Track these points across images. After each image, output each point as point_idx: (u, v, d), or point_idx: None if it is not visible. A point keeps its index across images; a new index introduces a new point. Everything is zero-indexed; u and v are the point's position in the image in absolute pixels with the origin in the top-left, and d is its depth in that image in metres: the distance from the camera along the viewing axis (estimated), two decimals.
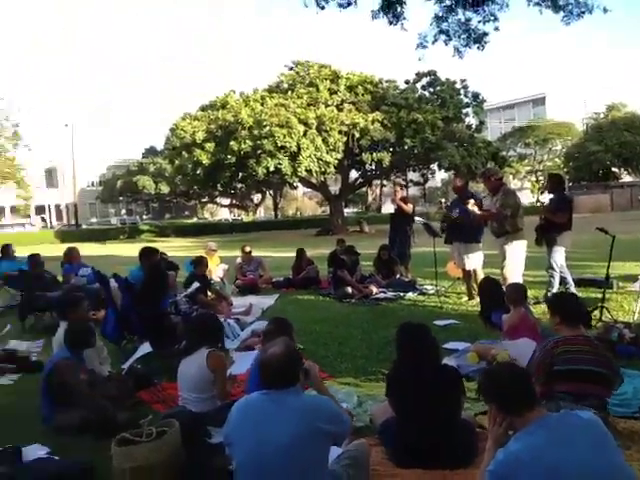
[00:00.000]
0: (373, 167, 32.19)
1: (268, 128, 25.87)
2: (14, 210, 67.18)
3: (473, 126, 31.14)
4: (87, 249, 12.65)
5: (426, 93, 30.44)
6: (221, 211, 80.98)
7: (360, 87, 29.59)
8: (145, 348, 5.05)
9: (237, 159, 27.11)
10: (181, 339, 5.79)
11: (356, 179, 35.78)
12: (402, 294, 8.95)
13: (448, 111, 28.69)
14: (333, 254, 10.55)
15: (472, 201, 7.58)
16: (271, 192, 57.74)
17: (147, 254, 6.20)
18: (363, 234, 29.89)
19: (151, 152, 65.96)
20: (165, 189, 59.98)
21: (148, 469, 3.11)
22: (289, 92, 29.62)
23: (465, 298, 8.23)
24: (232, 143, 26.32)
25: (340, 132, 27.62)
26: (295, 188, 46.28)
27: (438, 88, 30.17)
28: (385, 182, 43.52)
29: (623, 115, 53.37)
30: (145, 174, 61.28)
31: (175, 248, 24.04)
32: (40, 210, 69.92)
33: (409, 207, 10.37)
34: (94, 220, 67.02)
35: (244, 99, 29.12)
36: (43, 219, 67.68)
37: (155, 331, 5.38)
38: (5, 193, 32.94)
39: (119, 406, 4.52)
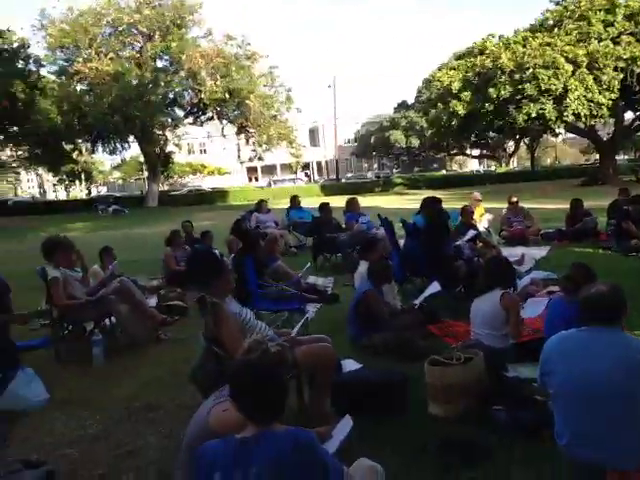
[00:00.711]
0: None
1: (531, 71, 24.17)
2: (283, 167, 75.56)
3: None
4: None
5: None
6: (470, 163, 79.19)
7: None
8: (433, 287, 5.42)
9: (495, 107, 26.03)
10: (463, 281, 6.06)
11: (632, 121, 31.43)
12: None
13: None
14: (615, 204, 9.67)
15: None
16: (526, 141, 54.40)
17: (430, 202, 6.54)
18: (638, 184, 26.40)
19: (402, 106, 67.28)
20: (415, 142, 60.97)
21: (460, 386, 3.47)
22: (555, 29, 27.05)
23: None
24: (490, 90, 25.30)
25: (616, 69, 24.42)
26: (556, 135, 42.69)
27: None
28: None
29: None
30: (397, 129, 62.96)
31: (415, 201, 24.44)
32: (304, 167, 77.20)
33: None
34: (349, 175, 71.17)
35: (504, 42, 27.53)
36: (307, 174, 74.17)
37: (440, 273, 5.71)
38: (277, 152, 37.09)
39: (414, 335, 5.00)
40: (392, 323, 4.96)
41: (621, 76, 24.59)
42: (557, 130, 28.51)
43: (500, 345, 4.24)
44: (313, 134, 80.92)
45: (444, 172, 65.52)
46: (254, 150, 35.87)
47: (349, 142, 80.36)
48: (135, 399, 4.41)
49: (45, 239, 5.52)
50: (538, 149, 68.04)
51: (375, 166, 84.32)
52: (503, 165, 64.63)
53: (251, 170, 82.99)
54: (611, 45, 24.77)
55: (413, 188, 41.40)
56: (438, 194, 28.90)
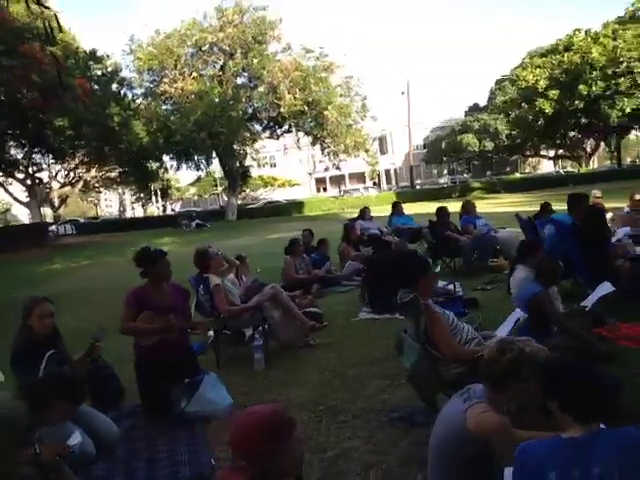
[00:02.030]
0: None
1: (625, 64, 23.08)
2: (351, 177, 75.70)
3: None
4: (424, 207, 13.52)
5: None
6: (543, 164, 76.43)
7: None
8: (605, 288, 5.12)
9: (585, 104, 25.00)
10: (627, 281, 5.71)
11: None
12: None
13: None
14: None
15: None
16: (608, 139, 52.01)
17: (577, 200, 6.25)
18: None
19: (474, 109, 65.95)
20: (489, 145, 59.47)
21: None
22: None
23: None
24: (580, 87, 24.33)
25: None
26: (627, 133, 40.60)
27: None
28: None
29: None
30: (469, 132, 61.66)
31: (516, 204, 23.74)
32: (358, 177, 77.07)
33: None
34: (419, 181, 70.28)
35: (592, 37, 26.43)
36: (374, 183, 73.88)
37: (603, 272, 5.41)
38: (345, 162, 37.32)
39: (594, 336, 4.74)
40: (567, 326, 4.72)
41: None
42: None
43: None
44: (381, 142, 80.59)
45: (517, 175, 63.43)
46: (331, 160, 36.10)
47: (418, 148, 79.56)
48: (315, 402, 4.40)
49: (198, 250, 5.65)
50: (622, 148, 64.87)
51: (445, 172, 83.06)
52: (583, 165, 62.03)
53: (320, 181, 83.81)
54: None
55: (491, 192, 40.34)
56: (518, 197, 28.15)
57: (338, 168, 35.81)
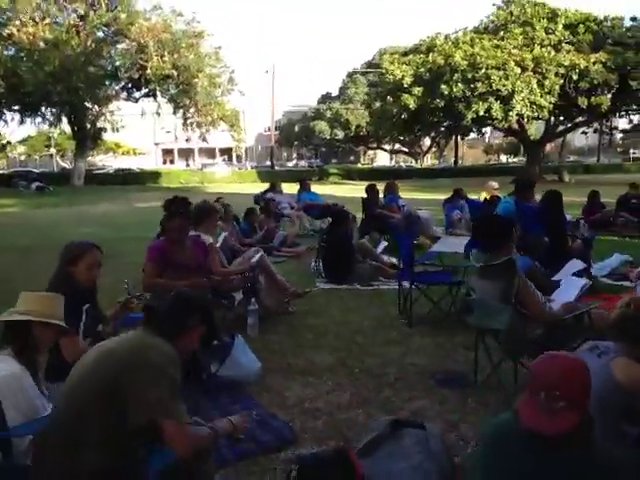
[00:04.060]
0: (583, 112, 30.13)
1: (484, 70, 25.39)
2: (201, 151, 73.79)
3: None
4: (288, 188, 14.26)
5: None
6: (380, 158, 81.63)
7: (581, 26, 27.64)
8: (575, 266, 5.66)
9: (445, 103, 27.06)
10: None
11: (556, 125, 33.88)
12: None
13: None
14: (625, 197, 10.57)
15: None
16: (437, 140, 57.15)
17: (524, 185, 6.85)
18: (562, 184, 28.54)
19: (327, 98, 68.01)
20: (340, 134, 61.83)
21: None
22: (501, 32, 28.57)
23: None
24: (443, 87, 26.26)
25: (557, 74, 26.25)
26: (466, 136, 45.42)
27: None
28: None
29: None
30: (322, 119, 63.39)
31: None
32: (223, 152, 75.88)
33: None
34: (268, 163, 70.67)
35: (453, 42, 28.64)
36: (224, 160, 72.76)
37: (563, 253, 6.00)
38: (194, 135, 36.30)
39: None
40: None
41: (561, 82, 26.47)
42: (502, 125, 29.72)
43: None
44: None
45: (359, 165, 66.94)
46: (193, 131, 34.75)
47: (268, 130, 79.75)
48: (345, 365, 4.33)
49: (198, 205, 5.15)
50: (446, 148, 71.64)
51: (294, 155, 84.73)
52: (419, 162, 67.42)
53: (167, 152, 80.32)
54: (553, 52, 26.59)
55: (348, 179, 42.03)
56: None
57: (205, 140, 34.61)
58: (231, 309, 5.23)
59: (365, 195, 9.69)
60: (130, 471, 2.01)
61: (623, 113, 32.63)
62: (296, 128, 67.93)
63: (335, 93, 68.40)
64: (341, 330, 5.20)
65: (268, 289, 5.59)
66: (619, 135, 61.18)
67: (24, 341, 2.58)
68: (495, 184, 11.97)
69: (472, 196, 11.88)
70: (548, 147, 62.55)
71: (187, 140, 37.34)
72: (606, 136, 53.57)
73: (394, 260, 7.70)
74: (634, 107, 30.16)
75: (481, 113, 26.57)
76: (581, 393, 1.77)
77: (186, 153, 78.60)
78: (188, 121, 34.50)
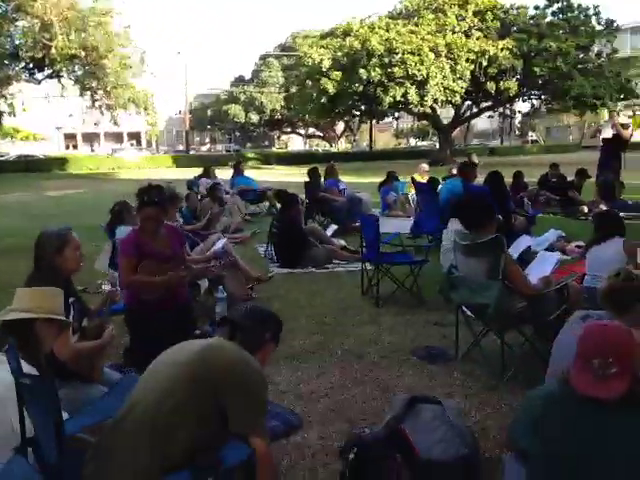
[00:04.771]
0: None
1: (400, 55, 25.93)
2: (107, 135, 70.43)
3: (604, 55, 29.91)
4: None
5: (556, 19, 29.30)
6: (294, 142, 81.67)
7: (489, 13, 28.84)
8: (525, 241, 6.00)
9: (363, 88, 27.42)
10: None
11: (464, 110, 35.28)
12: None
13: (580, 39, 27.68)
14: (546, 177, 11.32)
15: None
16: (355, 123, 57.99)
17: (468, 167, 7.13)
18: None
19: (240, 81, 66.93)
20: (255, 118, 61.14)
21: None
22: (414, 18, 29.27)
23: None
24: (361, 71, 26.57)
25: (468, 60, 27.30)
26: (382, 120, 46.54)
27: (569, 14, 29.02)
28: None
29: None
30: (236, 103, 62.37)
31: (297, 174, 25.14)
32: (132, 136, 72.94)
33: (627, 132, 10.82)
34: (181, 147, 68.88)
35: (369, 26, 28.97)
36: (132, 144, 70.08)
37: (509, 229, 6.33)
38: (102, 119, 34.73)
39: None
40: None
41: (472, 67, 27.57)
42: (418, 110, 30.37)
43: None
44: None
45: (275, 149, 66.73)
46: (102, 114, 33.06)
47: (180, 113, 77.41)
48: (327, 347, 4.36)
49: (165, 189, 4.94)
50: (358, 133, 72.92)
51: (207, 140, 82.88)
52: (334, 145, 68.11)
53: (69, 137, 75.92)
54: (464, 38, 27.62)
55: (266, 163, 41.75)
56: (293, 169, 29.84)
57: (116, 124, 32.97)
58: (197, 298, 5.11)
59: (307, 179, 9.68)
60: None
61: (526, 98, 34.52)
62: (209, 112, 66.44)
63: (248, 76, 67.40)
64: (310, 313, 5.22)
65: (232, 275, 5.49)
66: (517, 119, 65.03)
67: (26, 340, 2.40)
68: (426, 166, 12.38)
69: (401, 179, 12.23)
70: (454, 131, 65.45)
71: (96, 124, 35.45)
72: (507, 120, 56.70)
73: (343, 242, 7.84)
74: (536, 92, 31.97)
75: (398, 98, 27.17)
76: (630, 358, 1.89)
77: (90, 138, 74.71)
78: (97, 104, 32.80)
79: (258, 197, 11.99)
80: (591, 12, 29.45)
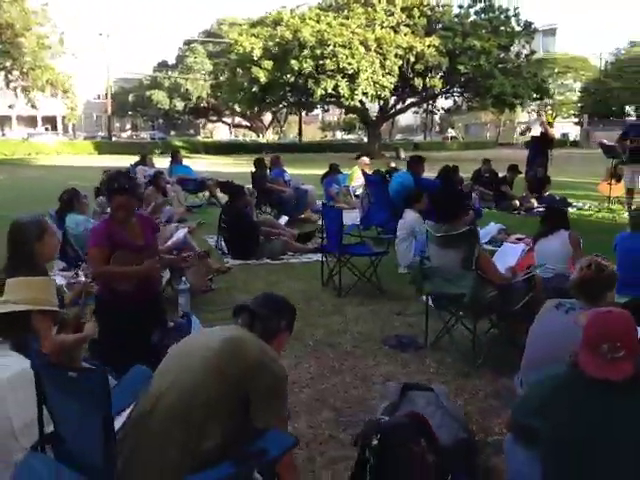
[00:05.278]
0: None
1: (331, 48, 26.05)
2: (20, 119, 66.17)
3: (522, 55, 31.47)
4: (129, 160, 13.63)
5: (479, 19, 30.46)
6: (219, 131, 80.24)
7: (416, 10, 29.49)
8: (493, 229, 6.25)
9: (295, 79, 27.36)
10: None
11: (391, 105, 35.96)
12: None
13: (500, 39, 28.94)
14: (479, 172, 11.82)
15: None
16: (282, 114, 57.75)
17: (417, 160, 7.33)
18: (399, 160, 30.68)
19: (163, 66, 64.82)
20: (180, 105, 59.48)
21: None
22: (344, 11, 29.46)
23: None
24: (293, 62, 26.46)
25: (396, 55, 27.83)
26: (311, 112, 46.79)
27: (491, 15, 30.22)
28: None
29: None
30: (160, 89, 60.39)
31: (230, 164, 24.83)
32: (47, 120, 68.96)
33: (553, 131, 11.49)
34: (101, 133, 65.99)
35: (300, 17, 28.88)
36: (47, 129, 66.38)
37: None
38: (15, 102, 32.89)
39: None
40: None
41: (400, 63, 28.14)
42: (346, 103, 30.59)
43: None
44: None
45: (200, 138, 65.31)
46: (17, 96, 31.14)
47: (99, 98, 73.98)
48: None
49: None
50: (285, 124, 72.77)
51: (128, 126, 79.73)
52: (261, 136, 67.49)
53: None
54: (392, 33, 28.13)
55: (194, 152, 40.75)
56: (225, 159, 29.56)
57: (34, 106, 31.06)
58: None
59: (254, 169, 9.59)
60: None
61: (449, 95, 35.73)
62: (130, 97, 63.85)
63: (172, 62, 65.36)
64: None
65: (192, 266, 5.37)
66: (438, 116, 67.14)
67: (23, 333, 2.29)
68: (367, 159, 12.56)
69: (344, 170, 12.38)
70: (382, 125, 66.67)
71: (10, 107, 33.29)
72: (428, 116, 58.53)
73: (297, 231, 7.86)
74: (458, 89, 33.15)
75: (329, 90, 27.33)
76: (635, 341, 2.06)
77: (1, 121, 70.00)
78: (11, 85, 30.83)
79: (198, 187, 11.74)
80: (511, 13, 30.87)
